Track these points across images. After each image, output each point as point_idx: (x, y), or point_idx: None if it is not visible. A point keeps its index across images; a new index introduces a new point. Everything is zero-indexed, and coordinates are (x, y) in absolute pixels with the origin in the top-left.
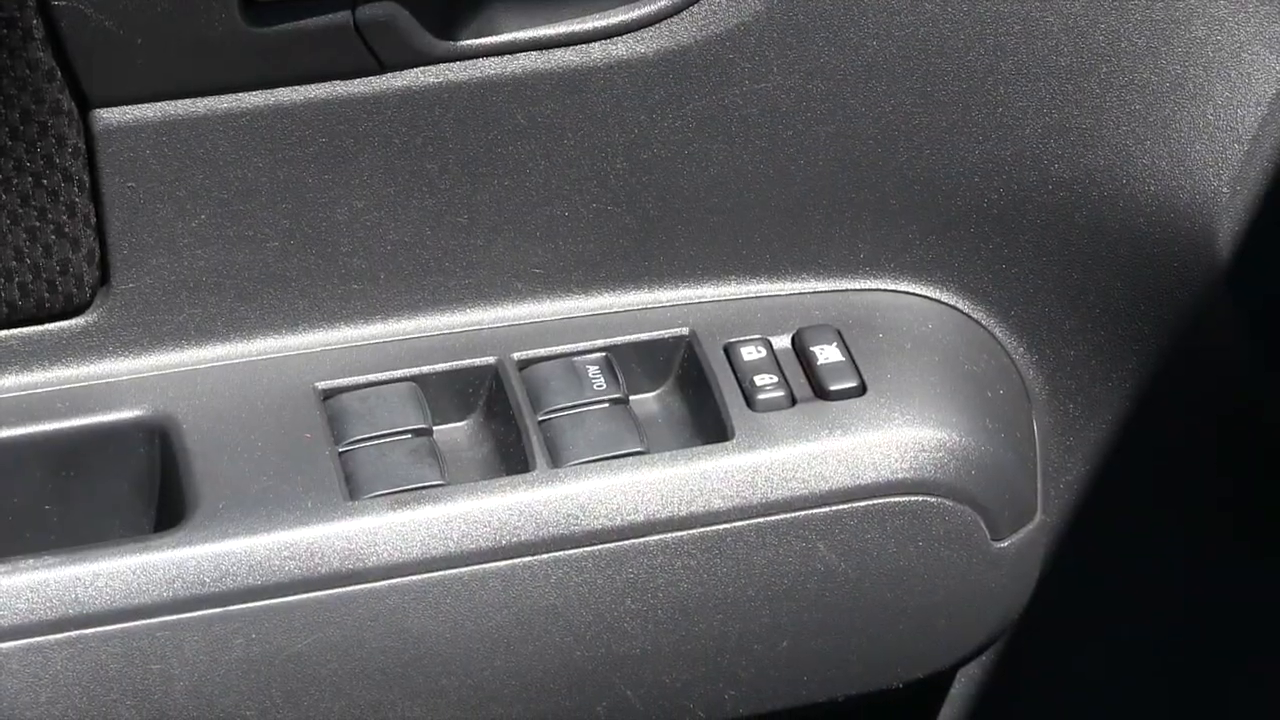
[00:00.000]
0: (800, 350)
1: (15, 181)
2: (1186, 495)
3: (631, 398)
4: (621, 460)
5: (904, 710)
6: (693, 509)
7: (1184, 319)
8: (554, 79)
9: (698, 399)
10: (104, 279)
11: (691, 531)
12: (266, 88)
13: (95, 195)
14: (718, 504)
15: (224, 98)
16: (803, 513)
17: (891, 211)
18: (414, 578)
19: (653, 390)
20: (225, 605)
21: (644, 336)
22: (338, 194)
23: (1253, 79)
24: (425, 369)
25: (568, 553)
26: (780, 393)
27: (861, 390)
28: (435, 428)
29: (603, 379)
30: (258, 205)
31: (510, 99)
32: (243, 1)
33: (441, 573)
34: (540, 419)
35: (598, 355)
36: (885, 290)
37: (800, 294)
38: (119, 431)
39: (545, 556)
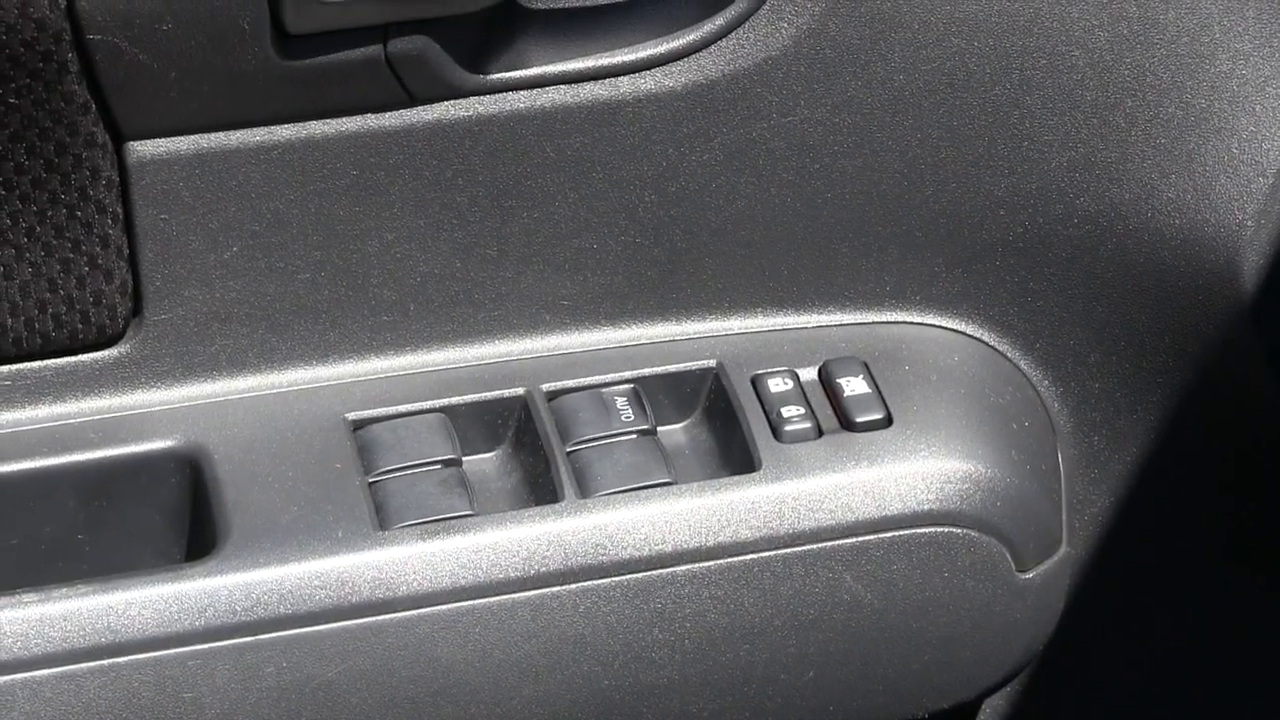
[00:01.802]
0: (827, 382)
1: (50, 214)
2: (1210, 527)
3: (659, 429)
4: (649, 491)
5: None
6: (720, 539)
7: (1208, 352)
8: (583, 113)
9: (725, 430)
10: (136, 310)
11: (719, 562)
12: (298, 120)
13: (129, 227)
14: (745, 534)
15: (256, 130)
16: (829, 543)
17: (917, 244)
18: (443, 607)
19: (680, 421)
20: (256, 634)
21: (672, 368)
22: (368, 226)
23: (1277, 113)
24: (454, 400)
25: (596, 583)
26: (807, 424)
27: (888, 422)
28: (464, 458)
29: (630, 410)
30: (289, 237)
31: (539, 132)
32: (276, 35)
33: (471, 602)
34: (569, 450)
35: (626, 386)
36: (911, 323)
37: (827, 326)
38: (151, 461)
39: (573, 586)
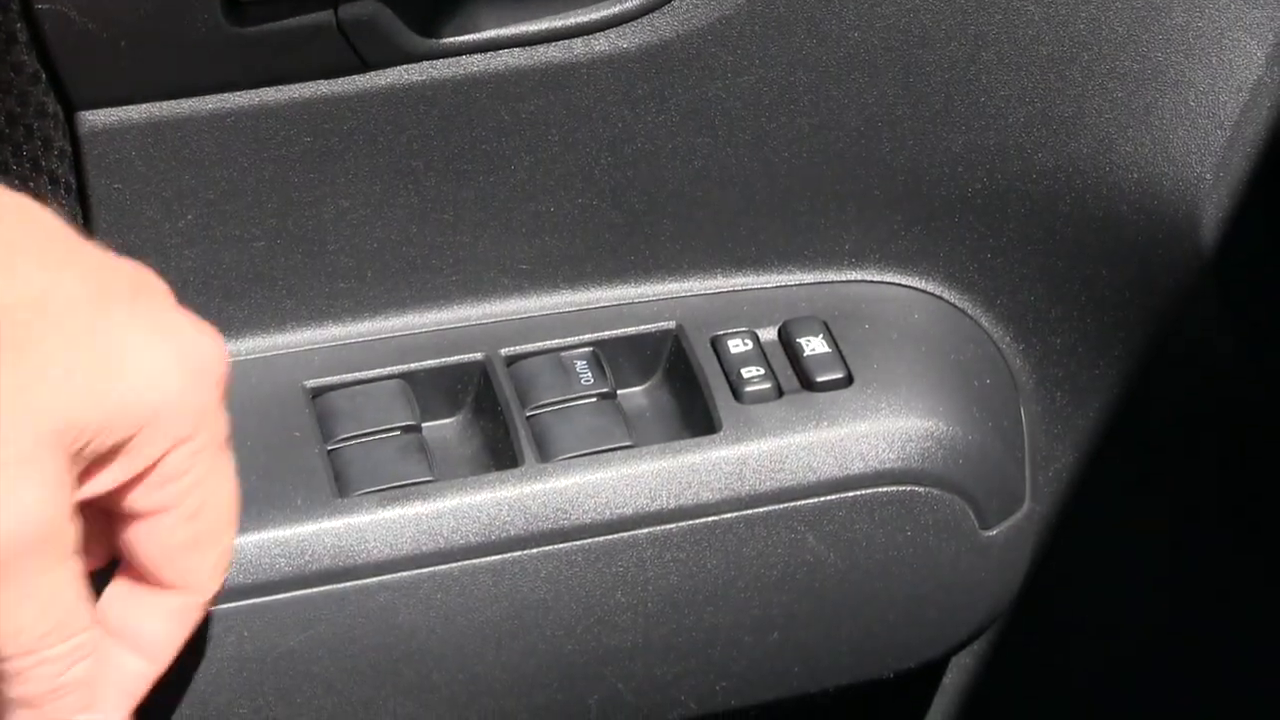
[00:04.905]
0: (787, 342)
1: (1, 184)
2: (1173, 482)
3: (619, 392)
4: (610, 454)
5: (897, 701)
6: (681, 501)
7: (1169, 306)
8: (537, 75)
9: (685, 392)
10: None
11: (680, 524)
12: (251, 88)
13: (82, 198)
14: (706, 496)
15: (208, 98)
16: (791, 504)
17: (876, 202)
18: (404, 574)
19: (640, 384)
20: (216, 604)
21: (631, 331)
22: (323, 192)
23: (1234, 65)
24: (413, 366)
25: (557, 547)
26: (767, 385)
27: (848, 381)
28: (424, 424)
29: (590, 373)
30: (244, 205)
31: (494, 96)
32: (225, 2)
33: (432, 568)
34: (528, 414)
35: (585, 350)
36: (871, 281)
37: (786, 286)
38: None
39: (535, 551)
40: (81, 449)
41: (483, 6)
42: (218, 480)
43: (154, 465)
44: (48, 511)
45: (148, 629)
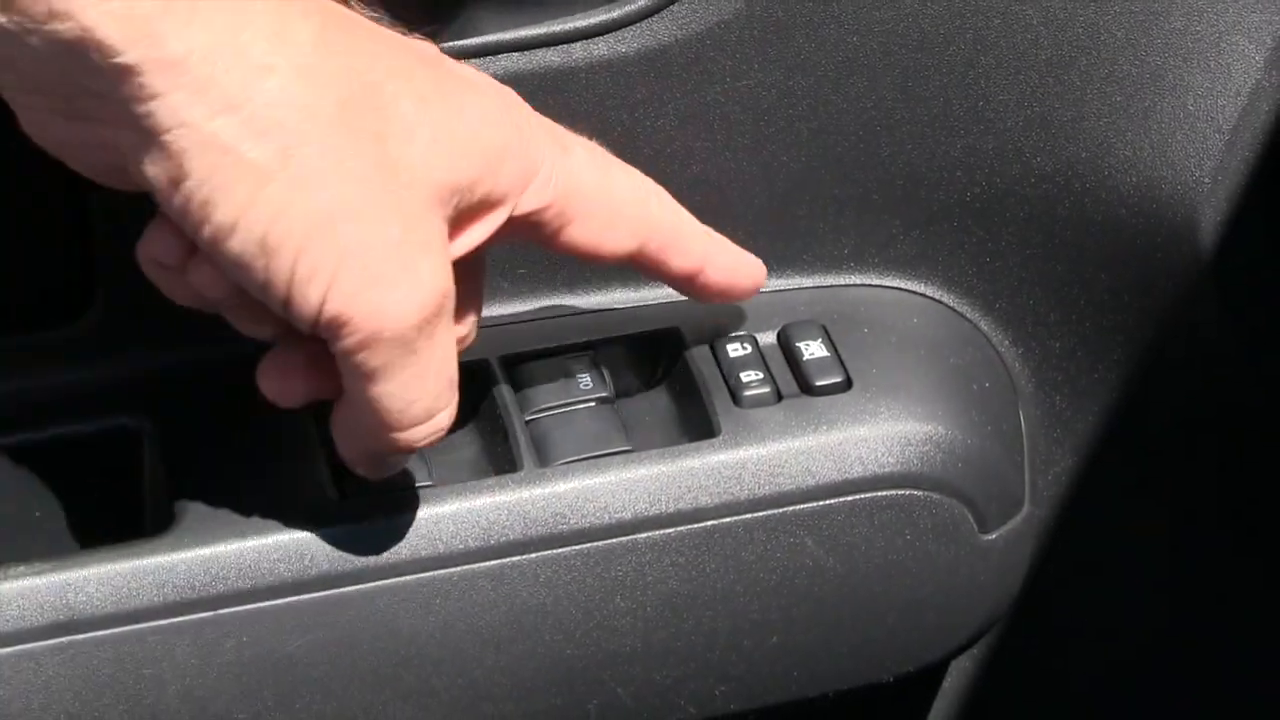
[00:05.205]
0: (786, 346)
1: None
2: (1172, 485)
3: (618, 396)
4: (609, 459)
5: (896, 704)
6: (680, 506)
7: (1168, 309)
8: (535, 79)
9: (684, 396)
10: (91, 285)
11: (679, 529)
12: None
13: (83, 200)
14: (705, 501)
15: None
16: (790, 508)
17: (875, 206)
18: (404, 578)
19: (639, 389)
20: (216, 609)
21: (630, 335)
22: None
23: (1232, 69)
24: None
25: (556, 551)
26: (766, 389)
27: (847, 385)
28: None
29: (589, 378)
30: None
31: None
32: None
33: (431, 573)
34: (527, 419)
35: (584, 354)
36: (870, 285)
37: (785, 290)
38: (109, 436)
39: (534, 555)
40: (454, 208)
41: (481, 11)
42: (579, 188)
43: (511, 209)
44: (440, 282)
45: None
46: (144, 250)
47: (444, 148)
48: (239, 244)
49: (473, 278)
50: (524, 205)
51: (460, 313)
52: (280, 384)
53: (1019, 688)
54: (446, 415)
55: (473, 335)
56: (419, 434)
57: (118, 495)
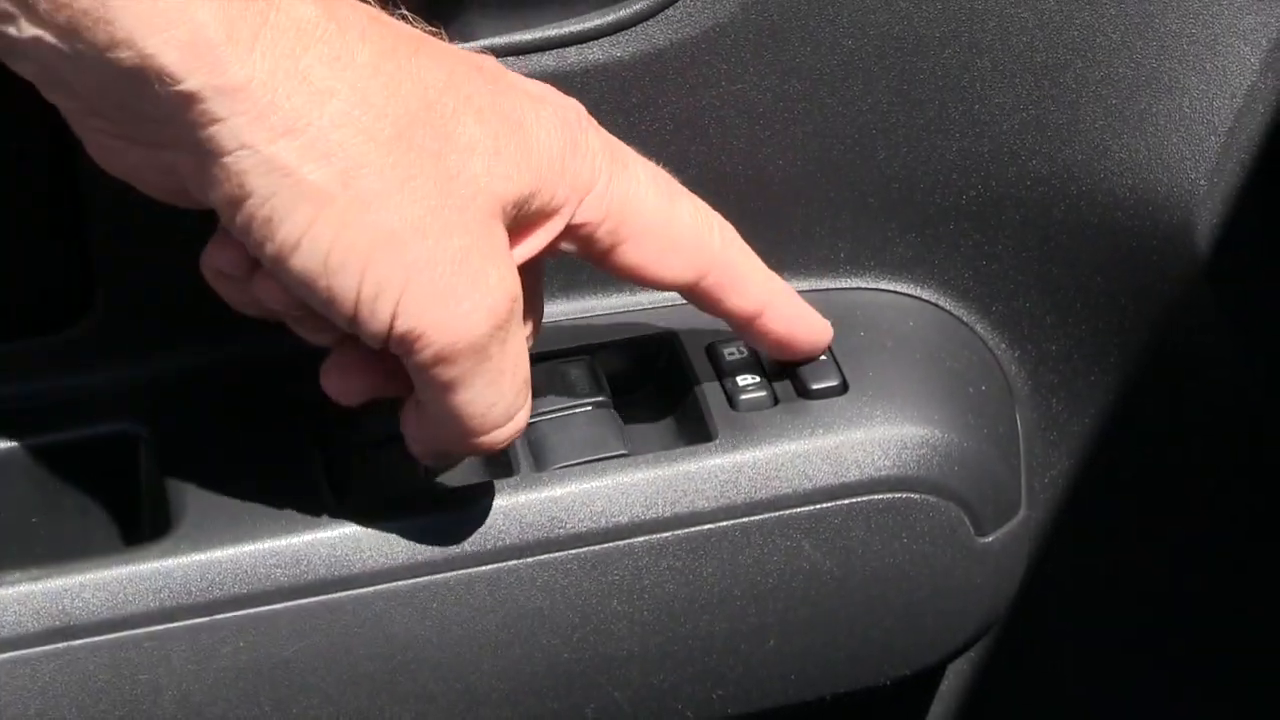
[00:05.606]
0: None
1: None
2: (1169, 487)
3: (614, 400)
4: (605, 463)
5: (893, 708)
6: (677, 510)
7: (1164, 312)
8: None
9: (681, 401)
10: (90, 288)
11: (676, 533)
12: None
13: (83, 202)
14: (702, 504)
15: None
16: (787, 511)
17: (871, 210)
18: (400, 583)
19: (635, 392)
20: (212, 614)
21: (626, 339)
22: None
23: (1227, 71)
24: None
25: (553, 555)
26: (763, 393)
27: (843, 389)
28: None
29: (585, 382)
30: None
31: None
32: None
33: (428, 577)
34: None
35: (580, 359)
36: (866, 289)
37: None
38: (105, 441)
39: (531, 560)
40: (513, 219)
41: (477, 15)
42: (637, 208)
43: (568, 219)
44: (509, 287)
45: None
46: (208, 261)
47: (503, 161)
48: (302, 262)
49: (533, 283)
50: (579, 216)
51: (524, 318)
52: (342, 383)
53: (1016, 690)
54: (524, 414)
55: (534, 339)
56: (501, 435)
57: (114, 500)
